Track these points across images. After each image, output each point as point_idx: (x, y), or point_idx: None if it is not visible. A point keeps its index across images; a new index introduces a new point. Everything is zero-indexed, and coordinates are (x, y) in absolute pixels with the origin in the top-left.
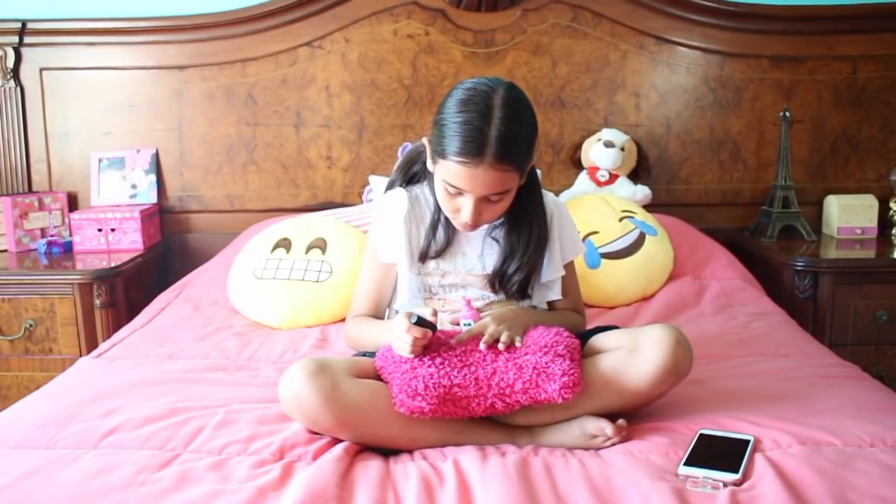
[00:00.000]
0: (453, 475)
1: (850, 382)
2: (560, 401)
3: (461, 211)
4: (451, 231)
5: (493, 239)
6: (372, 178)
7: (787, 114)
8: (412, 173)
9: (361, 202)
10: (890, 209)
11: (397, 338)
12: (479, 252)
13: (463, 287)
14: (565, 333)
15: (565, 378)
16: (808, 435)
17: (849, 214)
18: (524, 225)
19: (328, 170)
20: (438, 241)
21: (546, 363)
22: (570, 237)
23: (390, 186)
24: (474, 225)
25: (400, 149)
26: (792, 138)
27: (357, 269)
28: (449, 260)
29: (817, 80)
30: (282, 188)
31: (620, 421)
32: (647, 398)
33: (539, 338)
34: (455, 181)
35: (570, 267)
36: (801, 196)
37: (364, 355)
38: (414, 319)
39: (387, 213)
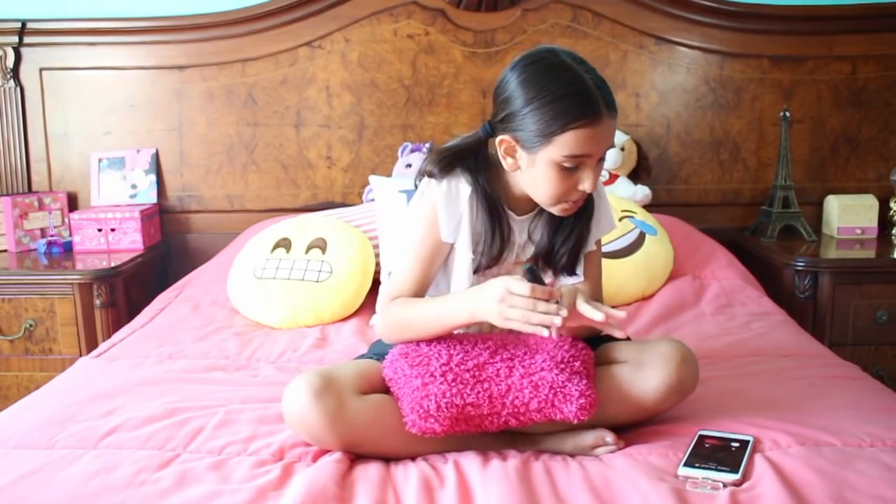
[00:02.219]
0: (453, 476)
1: (850, 382)
2: (576, 421)
3: (581, 183)
4: (507, 227)
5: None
6: (372, 178)
7: (787, 114)
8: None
9: (361, 202)
10: (890, 209)
11: (515, 305)
12: (526, 238)
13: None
14: (580, 345)
15: (582, 400)
16: (808, 435)
17: (849, 214)
18: None
19: (328, 170)
20: (503, 241)
21: (563, 382)
22: (606, 211)
23: (431, 174)
24: (591, 191)
25: (400, 149)
26: (792, 138)
27: (357, 269)
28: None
29: (817, 80)
30: (282, 188)
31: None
32: (651, 413)
33: (555, 350)
34: (580, 149)
35: (597, 245)
36: (801, 196)
37: (374, 357)
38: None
39: (450, 193)
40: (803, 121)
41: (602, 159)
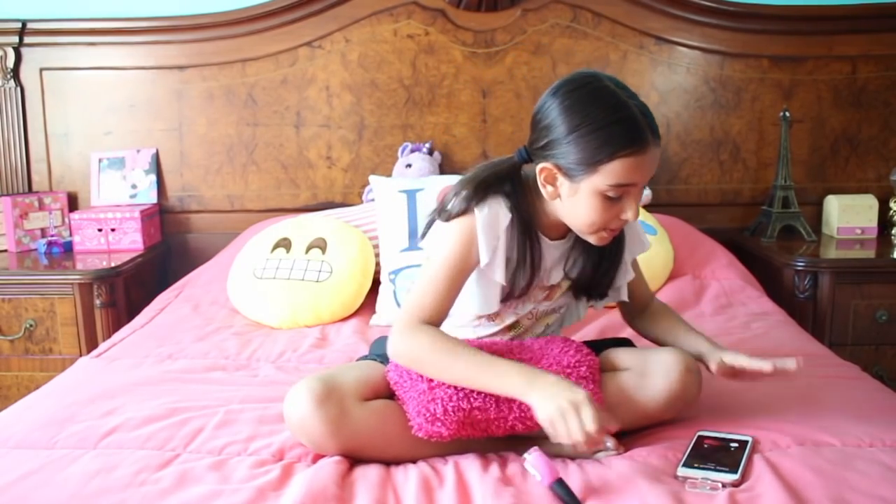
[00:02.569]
0: (453, 477)
1: (850, 382)
2: None
3: (624, 212)
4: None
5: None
6: (372, 178)
7: (787, 114)
8: (485, 191)
9: (361, 202)
10: (890, 209)
11: (571, 425)
12: (555, 264)
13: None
14: (585, 350)
15: None
16: (808, 435)
17: (849, 214)
18: None
19: (328, 170)
20: (534, 269)
21: None
22: (637, 234)
23: (473, 198)
24: (634, 220)
25: (400, 149)
26: (792, 138)
27: (357, 269)
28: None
29: (817, 80)
30: (282, 188)
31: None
32: (653, 421)
33: (561, 355)
34: (626, 178)
35: (636, 265)
36: (800, 196)
37: (376, 358)
38: (557, 485)
39: (490, 218)
40: (803, 121)
41: (643, 187)
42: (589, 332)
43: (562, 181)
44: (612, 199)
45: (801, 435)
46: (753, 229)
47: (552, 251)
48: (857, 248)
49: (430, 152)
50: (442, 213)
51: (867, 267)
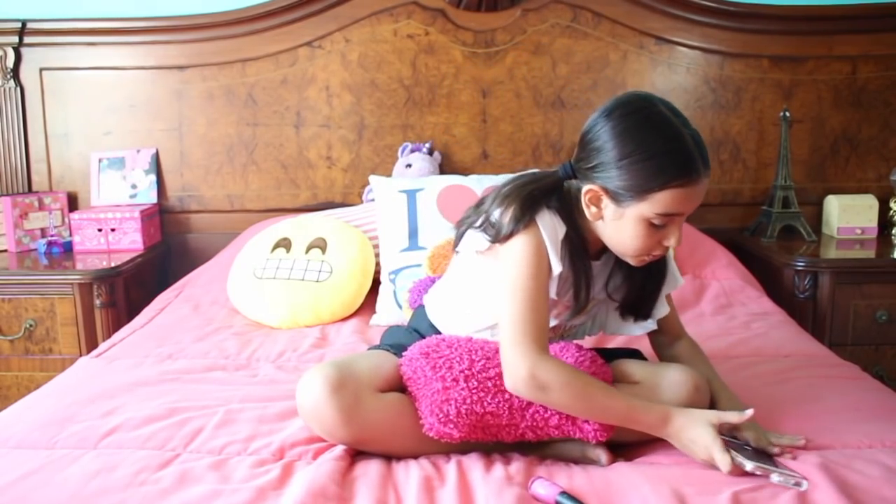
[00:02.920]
0: (455, 476)
1: (850, 382)
2: (594, 441)
3: (668, 239)
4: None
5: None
6: (372, 178)
7: (787, 114)
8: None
9: (361, 202)
10: (890, 209)
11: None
12: (599, 287)
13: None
14: (599, 361)
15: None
16: (808, 435)
17: (849, 214)
18: None
19: (328, 170)
20: (587, 290)
21: None
22: (673, 269)
23: (530, 211)
24: (677, 247)
25: (400, 149)
26: (792, 138)
27: (357, 269)
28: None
29: (817, 80)
30: (282, 188)
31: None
32: (658, 436)
33: (575, 364)
34: (674, 208)
35: (671, 301)
36: (801, 196)
37: (388, 348)
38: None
39: (553, 226)
40: (803, 121)
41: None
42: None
43: (607, 203)
44: (657, 227)
45: (801, 435)
46: (753, 229)
47: (595, 272)
48: (857, 248)
49: (430, 152)
50: (492, 231)
51: (867, 267)
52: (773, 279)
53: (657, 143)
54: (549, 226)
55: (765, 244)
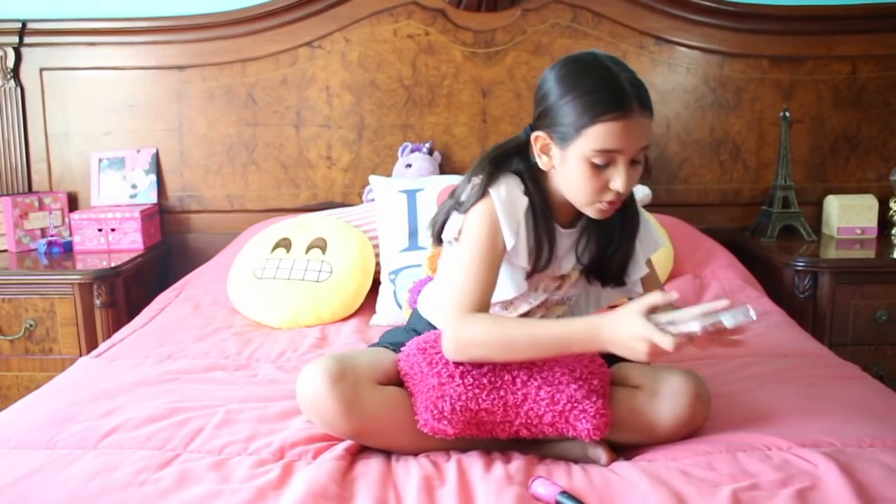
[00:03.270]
0: (455, 475)
1: (850, 382)
2: (587, 440)
3: (613, 181)
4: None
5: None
6: (372, 178)
7: (787, 114)
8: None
9: (361, 202)
10: (890, 209)
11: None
12: (566, 255)
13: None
14: (599, 361)
15: (597, 419)
16: (808, 435)
17: (849, 214)
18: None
19: (328, 170)
20: (551, 254)
21: (580, 398)
22: (649, 231)
23: (487, 181)
24: (626, 192)
25: (400, 149)
26: (792, 138)
27: (357, 269)
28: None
29: (817, 80)
30: (282, 188)
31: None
32: (659, 441)
33: (574, 364)
34: (609, 143)
35: (650, 266)
36: (800, 196)
37: (388, 346)
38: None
39: (508, 200)
40: (803, 121)
41: (637, 162)
42: None
43: (554, 150)
44: (600, 168)
45: (801, 435)
46: (753, 229)
47: (564, 240)
48: (857, 248)
49: (430, 152)
50: (459, 205)
51: (867, 267)
52: (773, 279)
53: (592, 82)
54: (507, 197)
55: (765, 244)
